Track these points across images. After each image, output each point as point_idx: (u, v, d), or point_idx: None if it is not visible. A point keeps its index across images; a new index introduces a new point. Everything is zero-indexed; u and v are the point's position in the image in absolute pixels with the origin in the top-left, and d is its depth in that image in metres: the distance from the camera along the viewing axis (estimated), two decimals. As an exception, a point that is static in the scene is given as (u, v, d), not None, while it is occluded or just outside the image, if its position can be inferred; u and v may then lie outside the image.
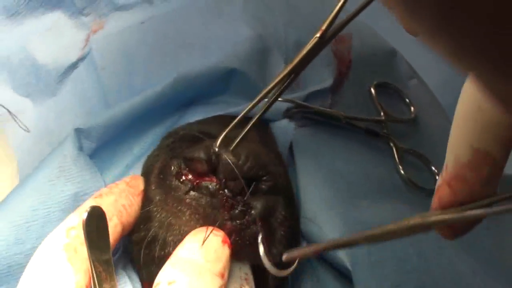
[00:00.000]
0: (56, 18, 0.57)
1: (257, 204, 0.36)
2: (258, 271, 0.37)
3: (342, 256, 0.41)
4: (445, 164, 0.27)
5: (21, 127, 0.52)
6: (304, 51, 0.36)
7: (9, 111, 0.53)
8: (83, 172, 0.41)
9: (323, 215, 0.43)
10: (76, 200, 0.40)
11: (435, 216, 0.27)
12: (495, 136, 0.25)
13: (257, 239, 0.36)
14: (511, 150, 0.26)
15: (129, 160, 0.44)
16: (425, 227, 0.27)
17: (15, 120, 0.53)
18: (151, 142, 0.45)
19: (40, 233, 0.39)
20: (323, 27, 0.35)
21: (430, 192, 0.51)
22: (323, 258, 0.43)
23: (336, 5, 0.35)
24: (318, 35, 0.35)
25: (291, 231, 0.39)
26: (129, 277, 0.40)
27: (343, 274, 0.42)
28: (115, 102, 0.47)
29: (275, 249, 0.37)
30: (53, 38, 0.55)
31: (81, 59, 0.54)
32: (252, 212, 0.36)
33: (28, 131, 0.52)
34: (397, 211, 0.46)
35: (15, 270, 0.38)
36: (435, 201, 0.28)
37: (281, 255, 0.30)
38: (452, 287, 0.40)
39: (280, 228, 0.38)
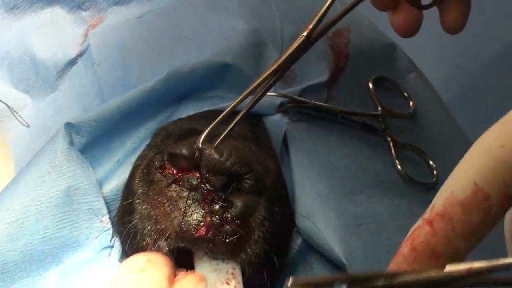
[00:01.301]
0: (55, 13, 0.57)
1: (238, 202, 0.36)
2: (250, 265, 0.37)
3: (338, 250, 0.41)
4: (430, 205, 0.24)
5: (21, 122, 0.53)
6: (290, 50, 0.35)
7: (8, 106, 0.53)
8: (74, 167, 0.41)
9: (318, 211, 0.43)
10: (68, 195, 0.40)
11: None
12: (503, 182, 0.22)
13: (234, 237, 0.36)
14: (503, 213, 0.23)
15: (121, 156, 0.44)
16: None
17: (15, 116, 0.53)
18: (144, 137, 0.45)
19: (34, 229, 0.39)
20: (310, 26, 0.35)
21: (427, 187, 0.51)
22: (319, 253, 0.43)
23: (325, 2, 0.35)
24: (304, 34, 0.35)
25: (272, 231, 0.38)
26: None
27: (339, 269, 0.42)
28: (111, 98, 0.47)
29: (249, 248, 0.37)
30: (52, 33, 0.55)
31: (80, 55, 0.54)
32: (232, 209, 0.36)
33: (28, 126, 0.52)
34: (394, 206, 0.46)
35: (10, 267, 0.38)
36: (403, 244, 0.24)
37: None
38: None
39: (258, 228, 0.38)
